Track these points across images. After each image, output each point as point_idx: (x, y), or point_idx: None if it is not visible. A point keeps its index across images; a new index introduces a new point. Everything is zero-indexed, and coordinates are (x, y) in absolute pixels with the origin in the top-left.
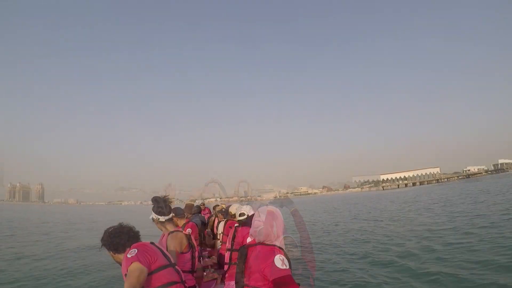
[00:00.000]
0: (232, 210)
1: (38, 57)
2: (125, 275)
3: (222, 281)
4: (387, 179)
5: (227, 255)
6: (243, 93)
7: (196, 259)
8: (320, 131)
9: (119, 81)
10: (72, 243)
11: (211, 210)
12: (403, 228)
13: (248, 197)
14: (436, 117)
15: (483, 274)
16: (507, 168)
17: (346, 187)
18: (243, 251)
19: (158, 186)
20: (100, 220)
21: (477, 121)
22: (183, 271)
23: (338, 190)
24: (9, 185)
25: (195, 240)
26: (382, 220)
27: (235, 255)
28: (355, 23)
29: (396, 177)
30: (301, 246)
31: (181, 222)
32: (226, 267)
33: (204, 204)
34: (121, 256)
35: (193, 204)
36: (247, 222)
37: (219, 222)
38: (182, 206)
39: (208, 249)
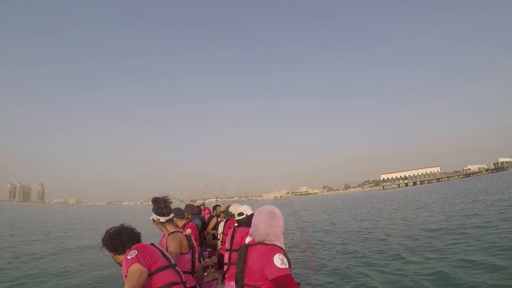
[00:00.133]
0: (232, 210)
1: (38, 58)
2: (126, 276)
3: (223, 281)
4: (388, 178)
5: (226, 255)
6: (243, 94)
7: (197, 260)
8: (320, 131)
9: (120, 82)
10: (72, 242)
11: (211, 210)
12: (400, 228)
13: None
14: (436, 116)
15: (477, 274)
16: (507, 167)
17: (346, 186)
18: (243, 250)
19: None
20: (100, 221)
21: (477, 120)
22: (184, 272)
23: (338, 190)
24: (9, 185)
25: (195, 240)
26: (379, 220)
27: (234, 255)
28: (355, 23)
29: (396, 177)
30: (300, 246)
31: (180, 222)
32: (225, 267)
33: (204, 204)
34: (121, 257)
35: (193, 205)
36: (246, 221)
37: (219, 222)
38: (182, 207)
39: (208, 249)
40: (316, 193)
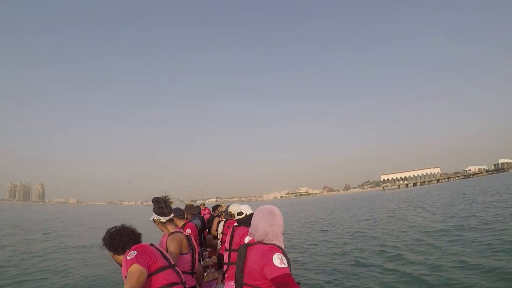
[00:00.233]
0: (232, 210)
1: (38, 58)
2: (125, 277)
3: (223, 281)
4: (388, 179)
5: (226, 255)
6: (243, 94)
7: (197, 260)
8: (321, 131)
9: (120, 82)
10: (72, 241)
11: (211, 210)
12: (398, 229)
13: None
14: (436, 116)
15: (471, 275)
16: (507, 168)
17: (347, 187)
18: (242, 250)
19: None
20: (100, 220)
21: (477, 121)
22: (184, 272)
23: (339, 190)
24: (9, 185)
25: (195, 240)
26: (378, 221)
27: (234, 255)
28: (355, 23)
29: (396, 177)
30: (300, 246)
31: (180, 222)
32: (225, 267)
33: (204, 204)
34: (121, 257)
35: (193, 205)
36: (246, 221)
37: (218, 222)
38: (182, 207)
39: (208, 249)
40: (316, 193)
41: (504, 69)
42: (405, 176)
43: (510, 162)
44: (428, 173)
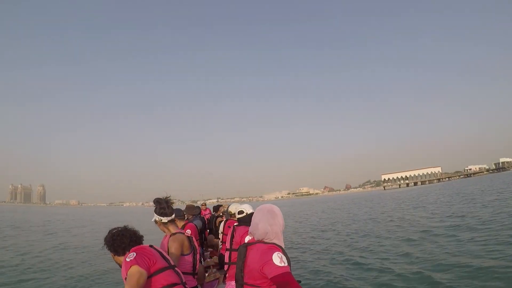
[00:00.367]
0: (232, 209)
1: (39, 59)
2: (125, 279)
3: (224, 281)
4: (389, 178)
5: (226, 254)
6: (244, 94)
7: (198, 261)
8: (321, 131)
9: (120, 82)
10: (74, 242)
11: (211, 211)
12: (396, 229)
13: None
14: (437, 116)
15: (465, 276)
16: (508, 167)
17: (347, 187)
18: (242, 250)
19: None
20: (101, 222)
21: (478, 120)
22: (185, 273)
23: (339, 190)
24: (10, 187)
25: (196, 241)
26: (378, 221)
27: (235, 254)
28: (355, 23)
29: (397, 177)
30: (300, 245)
31: (180, 223)
32: (226, 267)
33: (205, 205)
34: (121, 259)
35: (194, 205)
36: (246, 220)
37: (219, 222)
38: (183, 207)
39: (210, 249)
40: (317, 193)
41: (505, 68)
42: (405, 176)
43: (510, 161)
44: (429, 173)
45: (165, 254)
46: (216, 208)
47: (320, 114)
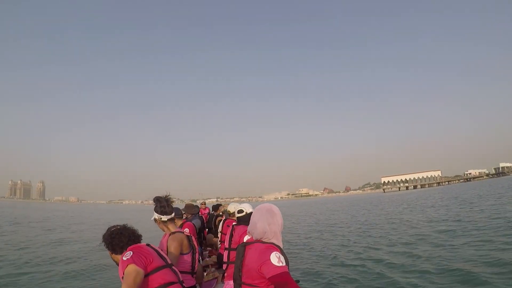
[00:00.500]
0: (231, 208)
1: (40, 58)
2: (122, 278)
3: (223, 280)
4: (388, 181)
5: (225, 254)
6: (244, 94)
7: (197, 260)
8: (321, 132)
9: (121, 82)
10: (72, 237)
11: (210, 210)
12: (392, 232)
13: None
14: (437, 119)
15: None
16: (508, 172)
17: (347, 189)
18: (240, 249)
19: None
20: (100, 218)
21: (479, 124)
22: (183, 272)
23: (339, 192)
24: (10, 182)
25: (195, 240)
26: (376, 223)
27: (233, 254)
28: (355, 23)
29: (397, 180)
30: (299, 246)
31: (178, 222)
32: (224, 266)
33: (205, 204)
34: (118, 257)
35: (193, 204)
36: (246, 219)
37: (219, 221)
38: (183, 206)
39: (208, 248)
40: (316, 195)
41: (507, 71)
42: (405, 179)
43: (510, 166)
44: (429, 176)
45: (162, 252)
46: (216, 207)
47: (320, 114)
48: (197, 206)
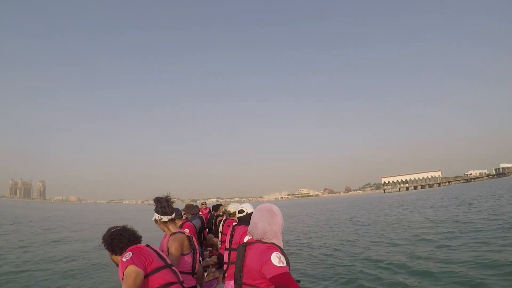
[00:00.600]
0: (231, 209)
1: (40, 57)
2: (122, 279)
3: (223, 280)
4: (389, 182)
5: (226, 254)
6: (244, 94)
7: (197, 261)
8: (321, 132)
9: (121, 82)
10: (72, 236)
11: (210, 210)
12: (389, 231)
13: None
14: (437, 120)
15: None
16: (508, 173)
17: (347, 189)
18: (241, 249)
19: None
20: (101, 218)
21: (479, 125)
22: (184, 272)
23: (339, 192)
24: (10, 182)
25: (195, 240)
26: (374, 223)
27: (234, 254)
28: (355, 24)
29: (397, 180)
30: (299, 245)
31: (178, 223)
32: (225, 266)
33: (205, 204)
34: (118, 258)
35: (193, 205)
36: (247, 219)
37: (220, 222)
38: (183, 206)
39: (209, 248)
40: (317, 195)
41: (506, 71)
42: (405, 179)
43: (511, 167)
44: (429, 177)
45: (161, 253)
46: (216, 207)
47: (320, 115)
48: (197, 206)
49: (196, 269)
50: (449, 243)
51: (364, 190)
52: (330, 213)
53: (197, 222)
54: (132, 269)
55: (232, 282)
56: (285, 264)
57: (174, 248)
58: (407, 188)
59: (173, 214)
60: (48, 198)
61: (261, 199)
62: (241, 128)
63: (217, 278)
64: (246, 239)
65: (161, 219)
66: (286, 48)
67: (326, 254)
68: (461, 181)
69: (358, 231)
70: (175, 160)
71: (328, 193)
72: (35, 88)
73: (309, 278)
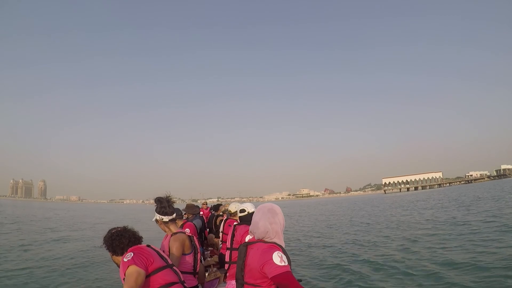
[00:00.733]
0: (232, 208)
1: (41, 56)
2: (124, 279)
3: (224, 280)
4: (389, 182)
5: (227, 254)
6: (243, 96)
7: (199, 260)
8: (322, 133)
9: (123, 83)
10: (73, 235)
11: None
12: (389, 232)
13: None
14: (438, 121)
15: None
16: (509, 174)
17: (348, 190)
18: (242, 249)
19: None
20: (101, 217)
21: (480, 126)
22: (185, 272)
23: (340, 193)
24: (11, 181)
25: (196, 240)
26: (373, 224)
27: (235, 254)
28: (356, 25)
29: (398, 181)
30: (300, 245)
31: (179, 223)
32: (226, 266)
33: (206, 203)
34: (119, 258)
35: (194, 205)
36: (248, 219)
37: (220, 221)
38: (183, 206)
39: (210, 248)
40: (317, 195)
41: (507, 72)
42: (406, 180)
43: (511, 168)
44: (430, 178)
45: (162, 253)
46: (216, 207)
47: (321, 115)
48: (197, 206)
49: (198, 269)
50: (446, 245)
51: (365, 191)
52: (330, 213)
53: (198, 222)
54: (133, 269)
55: (233, 282)
56: (286, 263)
57: (175, 248)
58: (408, 189)
59: (174, 214)
60: (49, 198)
61: (261, 199)
62: (242, 128)
63: (218, 277)
64: (247, 238)
65: (162, 219)
66: (286, 48)
67: (326, 254)
68: (462, 182)
69: (358, 231)
70: (175, 159)
71: (329, 194)
72: (36, 87)
73: (310, 278)
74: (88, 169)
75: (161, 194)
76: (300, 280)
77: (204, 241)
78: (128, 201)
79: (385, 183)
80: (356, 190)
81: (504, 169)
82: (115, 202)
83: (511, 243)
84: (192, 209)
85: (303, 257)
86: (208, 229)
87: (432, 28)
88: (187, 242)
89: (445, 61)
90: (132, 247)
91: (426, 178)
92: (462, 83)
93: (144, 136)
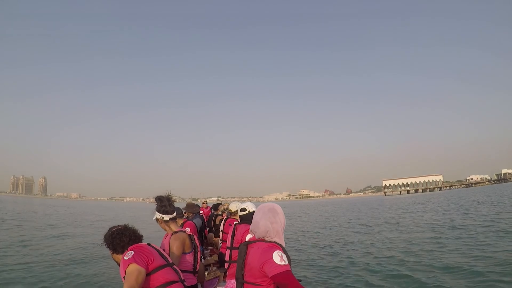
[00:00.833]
0: (232, 207)
1: (42, 55)
2: (124, 277)
3: (224, 279)
4: (390, 185)
5: (227, 253)
6: (244, 96)
7: (199, 259)
8: (322, 134)
9: (124, 82)
10: (73, 232)
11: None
12: (387, 234)
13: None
14: (439, 124)
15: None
16: (510, 178)
17: (348, 191)
18: (243, 248)
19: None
20: (102, 214)
21: (481, 130)
22: (185, 271)
23: (340, 194)
24: (12, 178)
25: (196, 239)
26: (372, 226)
27: (235, 253)
28: (356, 25)
29: (398, 183)
30: (300, 245)
31: (179, 222)
32: (226, 265)
33: (206, 203)
34: (119, 257)
35: (194, 204)
36: (248, 218)
37: (219, 220)
38: (184, 204)
39: (210, 247)
40: (317, 196)
41: (508, 75)
42: (406, 183)
43: None
44: (430, 180)
45: (163, 252)
46: (216, 206)
47: (322, 115)
48: (198, 205)
49: (198, 267)
50: (443, 249)
51: (365, 193)
52: (330, 214)
53: (198, 221)
54: (134, 267)
55: (233, 281)
56: (287, 262)
57: (175, 247)
58: (408, 192)
59: (174, 213)
60: (49, 195)
61: (261, 199)
62: (242, 128)
63: (218, 276)
64: (248, 237)
65: (163, 218)
66: (286, 48)
67: (326, 255)
68: (462, 185)
69: (357, 233)
70: (175, 159)
71: (329, 195)
72: (36, 86)
73: (310, 278)
74: (88, 166)
75: (162, 193)
76: (300, 280)
77: (204, 240)
78: (128, 199)
79: (385, 185)
80: (356, 192)
81: (504, 173)
82: (115, 199)
83: (507, 248)
84: (192, 208)
85: (303, 257)
86: (208, 228)
87: (432, 28)
88: (188, 241)
89: (445, 62)
90: (133, 246)
91: (426, 181)
92: (462, 84)
93: (144, 136)
